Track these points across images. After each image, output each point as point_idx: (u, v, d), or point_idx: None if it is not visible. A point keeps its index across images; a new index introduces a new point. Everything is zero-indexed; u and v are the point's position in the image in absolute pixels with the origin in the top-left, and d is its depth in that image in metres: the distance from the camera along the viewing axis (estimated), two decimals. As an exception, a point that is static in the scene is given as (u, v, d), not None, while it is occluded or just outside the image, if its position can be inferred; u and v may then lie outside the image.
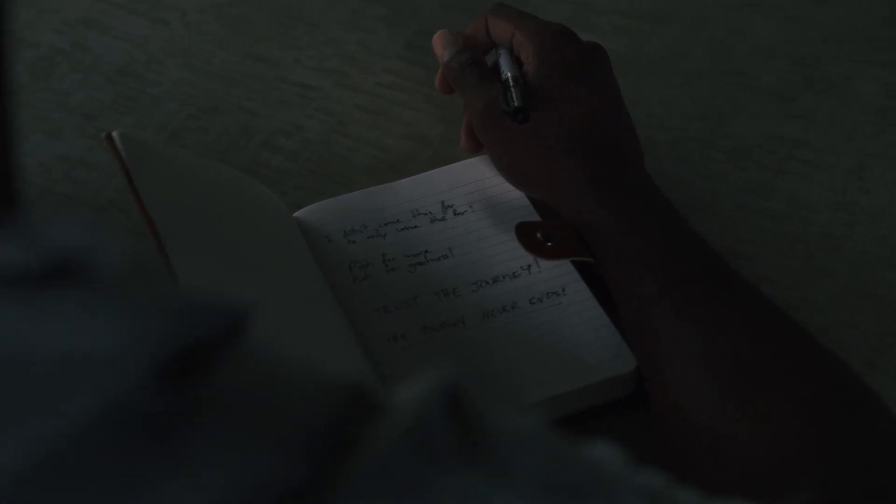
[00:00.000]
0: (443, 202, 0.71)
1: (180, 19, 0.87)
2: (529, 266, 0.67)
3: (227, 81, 0.82)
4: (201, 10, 0.87)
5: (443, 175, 0.74)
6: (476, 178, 0.72)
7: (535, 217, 0.70)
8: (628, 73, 0.81)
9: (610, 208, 0.64)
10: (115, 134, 0.60)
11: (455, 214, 0.71)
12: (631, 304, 0.62)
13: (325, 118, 0.80)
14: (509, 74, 0.68)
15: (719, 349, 0.57)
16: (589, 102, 0.68)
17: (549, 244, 0.66)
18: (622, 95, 0.70)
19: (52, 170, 0.76)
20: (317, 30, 0.86)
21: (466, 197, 0.72)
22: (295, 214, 0.72)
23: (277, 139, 0.78)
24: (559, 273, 0.67)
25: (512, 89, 0.67)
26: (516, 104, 0.65)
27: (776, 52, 0.83)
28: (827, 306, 0.68)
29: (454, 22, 0.83)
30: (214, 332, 0.32)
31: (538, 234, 0.66)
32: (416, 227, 0.70)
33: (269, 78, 0.83)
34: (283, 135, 0.79)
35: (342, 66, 0.84)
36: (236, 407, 0.32)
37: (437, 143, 0.77)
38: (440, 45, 0.74)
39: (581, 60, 0.69)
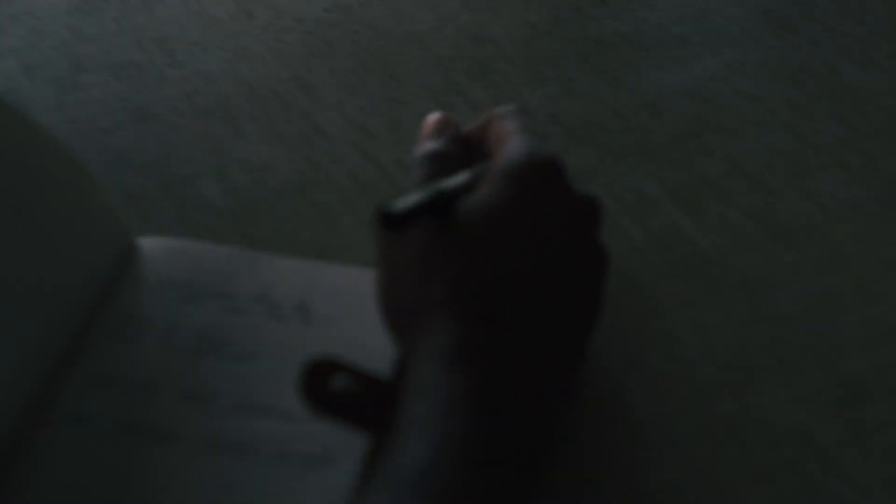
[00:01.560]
0: (302, 303, 0.52)
1: (268, 18, 0.73)
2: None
3: (253, 95, 0.67)
4: (298, 19, 0.74)
5: (329, 273, 0.54)
6: (365, 293, 0.52)
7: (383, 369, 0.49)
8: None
9: (432, 408, 0.41)
10: None
11: (301, 323, 0.51)
12: None
13: (304, 168, 0.62)
14: (448, 185, 0.48)
15: None
16: (522, 269, 0.45)
17: (332, 398, 0.45)
18: (602, 291, 0.47)
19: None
20: (391, 80, 0.69)
21: (335, 309, 0.52)
22: (140, 241, 0.55)
23: (233, 168, 0.62)
24: (344, 439, 0.46)
25: (415, 193, 0.46)
26: (395, 209, 0.44)
27: None
28: None
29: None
30: None
31: (332, 383, 0.46)
32: (244, 312, 0.51)
33: (294, 107, 0.67)
34: (245, 166, 0.62)
35: (379, 127, 0.66)
36: None
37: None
38: (425, 130, 0.55)
39: (549, 211, 0.47)
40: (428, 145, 0.53)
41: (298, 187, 0.61)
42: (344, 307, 0.51)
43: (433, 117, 0.56)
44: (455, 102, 0.68)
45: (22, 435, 0.45)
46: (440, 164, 0.52)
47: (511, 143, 0.50)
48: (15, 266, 0.47)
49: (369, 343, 0.50)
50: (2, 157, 0.49)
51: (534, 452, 0.41)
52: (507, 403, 0.42)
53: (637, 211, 0.59)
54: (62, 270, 0.49)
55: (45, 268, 0.49)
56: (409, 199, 0.45)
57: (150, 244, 0.55)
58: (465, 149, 0.54)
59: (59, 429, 0.46)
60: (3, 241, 0.47)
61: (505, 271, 0.45)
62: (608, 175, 0.62)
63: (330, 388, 0.45)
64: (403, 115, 0.66)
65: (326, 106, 0.67)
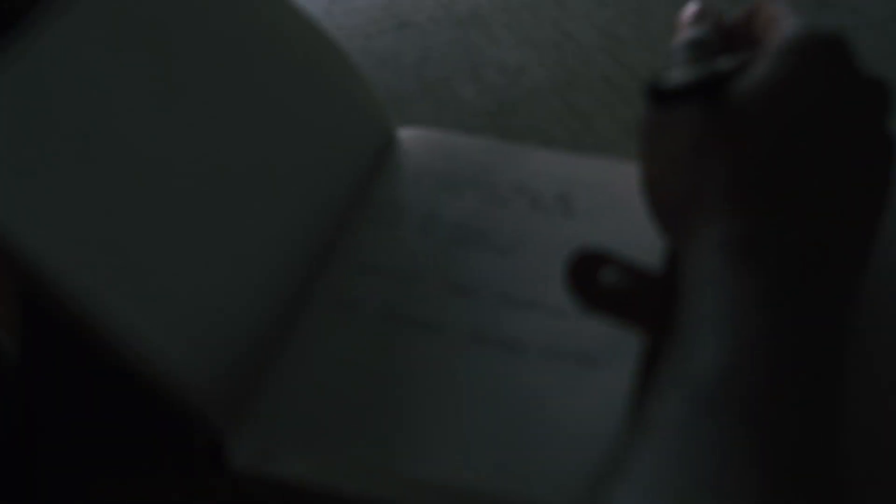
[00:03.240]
0: (563, 194, 0.46)
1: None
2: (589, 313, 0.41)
3: (506, 5, 0.61)
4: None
5: (590, 165, 0.48)
6: (628, 186, 0.45)
7: (654, 266, 0.43)
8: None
9: (726, 303, 0.34)
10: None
11: (564, 214, 0.45)
12: (643, 417, 0.34)
13: (557, 71, 0.56)
14: (721, 65, 0.41)
15: None
16: (808, 154, 0.38)
17: (606, 293, 0.40)
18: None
19: None
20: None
21: (596, 201, 0.46)
22: (399, 132, 0.50)
23: (488, 71, 0.57)
24: (617, 338, 0.40)
25: (687, 72, 0.40)
26: (667, 85, 0.38)
27: None
28: None
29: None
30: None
31: (605, 277, 0.40)
32: (505, 204, 0.46)
33: (545, 16, 0.60)
34: (498, 68, 0.57)
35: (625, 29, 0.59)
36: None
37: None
38: (683, 20, 0.48)
39: (831, 90, 0.39)
40: (688, 33, 0.46)
41: (552, 88, 0.56)
42: (607, 200, 0.46)
43: (692, 7, 0.48)
44: (707, 9, 0.60)
45: (289, 319, 0.42)
46: (702, 51, 0.44)
47: (786, 21, 0.42)
48: (289, 154, 0.44)
49: (635, 237, 0.44)
50: (289, 57, 0.46)
51: (837, 360, 0.34)
52: (804, 303, 0.35)
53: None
54: (330, 158, 0.46)
55: (315, 155, 0.45)
56: (680, 77, 0.39)
57: (410, 135, 0.51)
58: (728, 39, 0.47)
59: (324, 312, 0.42)
60: (282, 130, 0.44)
61: (789, 156, 0.38)
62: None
63: (599, 281, 0.40)
64: (651, 23, 0.60)
65: (575, 15, 0.60)
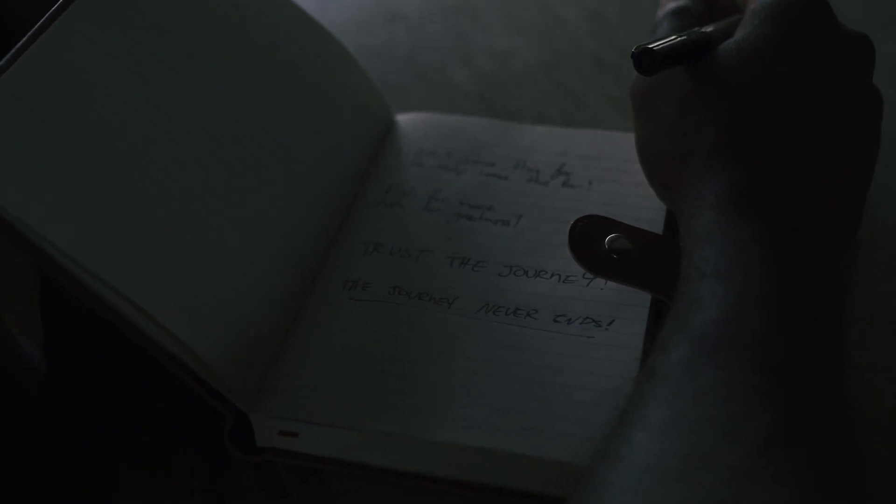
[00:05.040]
0: (561, 166, 0.45)
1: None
2: (594, 277, 0.39)
3: None
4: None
5: (584, 138, 0.46)
6: (622, 157, 0.44)
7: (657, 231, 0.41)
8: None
9: (724, 254, 0.33)
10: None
11: (563, 185, 0.44)
12: (644, 376, 0.31)
13: (546, 53, 0.55)
14: (705, 31, 0.40)
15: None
16: (792, 108, 0.36)
17: (614, 257, 0.38)
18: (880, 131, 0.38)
19: None
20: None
21: (593, 172, 0.44)
22: (397, 117, 0.49)
23: (479, 57, 0.55)
24: (623, 299, 0.38)
25: (663, 36, 0.39)
26: (655, 47, 0.37)
27: None
28: None
29: None
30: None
31: (607, 241, 0.39)
32: (505, 178, 0.45)
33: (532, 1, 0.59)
34: (488, 54, 0.56)
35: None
36: None
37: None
38: None
39: (815, 47, 0.37)
40: (672, 3, 0.45)
41: (542, 70, 0.54)
42: (604, 170, 0.45)
43: None
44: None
45: (301, 299, 0.40)
46: (686, 19, 0.43)
47: None
48: (296, 141, 0.42)
49: (634, 202, 0.42)
50: (291, 50, 0.44)
51: (836, 303, 0.33)
52: (798, 246, 0.34)
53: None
54: (334, 144, 0.44)
55: (320, 141, 0.44)
56: (667, 41, 0.38)
57: (408, 119, 0.49)
58: (710, 6, 0.45)
59: (334, 290, 0.41)
60: (288, 118, 0.42)
61: (774, 111, 0.37)
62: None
63: (603, 246, 0.38)
64: (638, 3, 0.58)
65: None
